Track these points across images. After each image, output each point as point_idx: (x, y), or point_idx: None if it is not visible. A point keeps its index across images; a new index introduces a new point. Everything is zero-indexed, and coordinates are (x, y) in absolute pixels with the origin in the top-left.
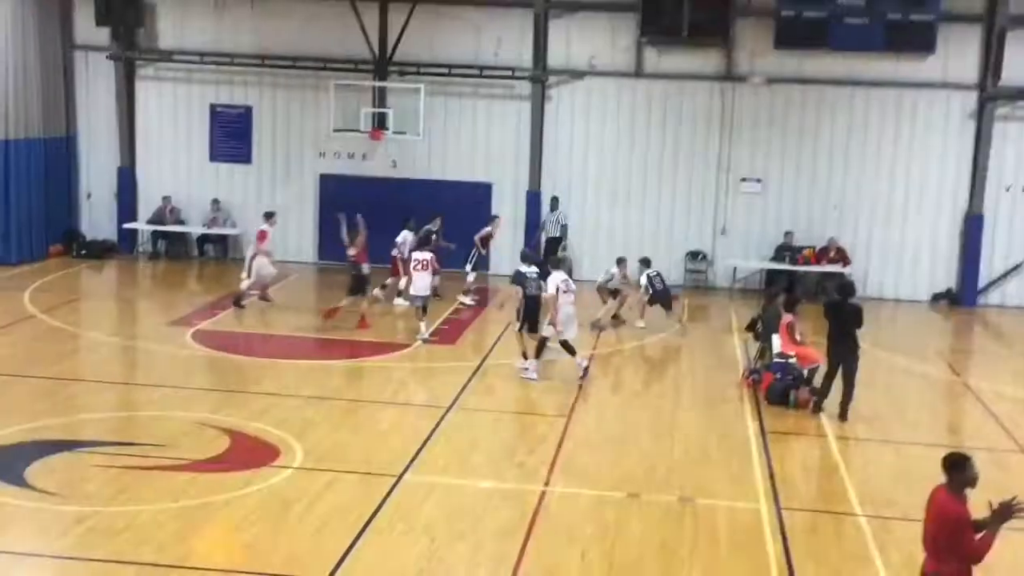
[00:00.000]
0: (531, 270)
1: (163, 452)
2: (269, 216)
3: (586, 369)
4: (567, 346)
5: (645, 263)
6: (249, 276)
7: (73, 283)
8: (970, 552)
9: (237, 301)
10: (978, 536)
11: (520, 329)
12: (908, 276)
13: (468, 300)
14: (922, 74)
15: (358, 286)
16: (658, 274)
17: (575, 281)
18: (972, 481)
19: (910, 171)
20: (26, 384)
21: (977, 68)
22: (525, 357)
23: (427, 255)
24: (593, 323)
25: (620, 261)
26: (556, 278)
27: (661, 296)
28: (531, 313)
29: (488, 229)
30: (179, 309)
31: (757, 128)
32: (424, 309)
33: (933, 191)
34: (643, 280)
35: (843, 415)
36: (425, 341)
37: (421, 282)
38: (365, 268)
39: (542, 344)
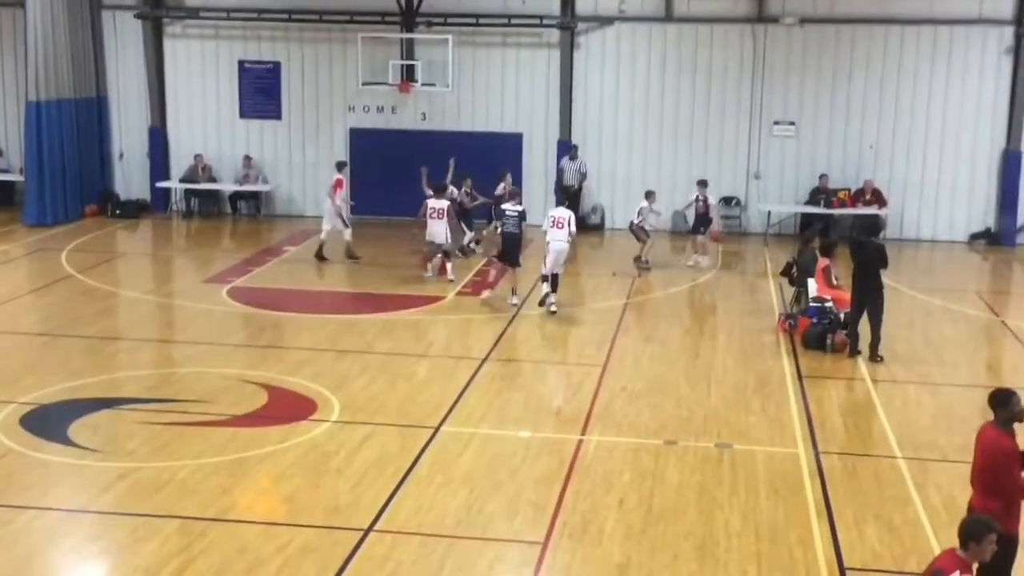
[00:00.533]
0: (513, 208)
1: (203, 408)
2: (341, 166)
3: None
4: (551, 281)
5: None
6: (347, 226)
7: (108, 243)
8: (1017, 486)
9: (350, 255)
10: None
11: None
12: (945, 216)
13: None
14: (957, 10)
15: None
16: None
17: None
18: (1019, 415)
19: (946, 109)
20: (66, 343)
21: (1013, 3)
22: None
23: (443, 203)
24: (635, 259)
25: (649, 194)
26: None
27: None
28: (507, 248)
29: (502, 186)
30: (214, 266)
31: (790, 70)
32: (446, 254)
33: (970, 129)
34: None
35: (873, 356)
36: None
37: (435, 229)
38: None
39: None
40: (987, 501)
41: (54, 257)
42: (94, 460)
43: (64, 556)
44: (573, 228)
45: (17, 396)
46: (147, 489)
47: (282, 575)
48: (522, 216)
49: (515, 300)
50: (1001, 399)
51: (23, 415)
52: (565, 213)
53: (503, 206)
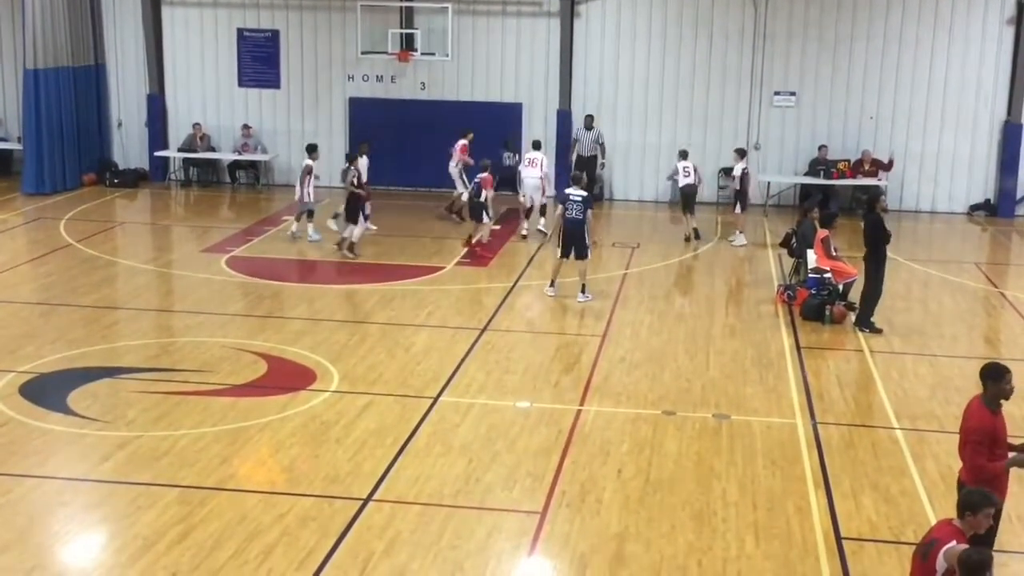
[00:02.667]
0: (577, 193)
1: (202, 377)
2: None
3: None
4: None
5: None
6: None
7: (107, 212)
8: (979, 464)
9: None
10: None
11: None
12: (945, 188)
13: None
14: None
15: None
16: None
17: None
18: (1007, 393)
19: (947, 80)
20: (65, 312)
21: None
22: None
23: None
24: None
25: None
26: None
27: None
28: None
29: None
30: (213, 236)
31: (791, 40)
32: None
33: (971, 100)
34: (737, 171)
35: (856, 322)
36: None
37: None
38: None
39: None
40: (966, 472)
41: (53, 226)
42: (94, 429)
43: (64, 524)
44: (546, 168)
45: (16, 365)
46: (147, 458)
47: (281, 543)
48: (587, 202)
49: (551, 291)
50: (994, 374)
51: (22, 384)
52: (539, 155)
53: (567, 191)
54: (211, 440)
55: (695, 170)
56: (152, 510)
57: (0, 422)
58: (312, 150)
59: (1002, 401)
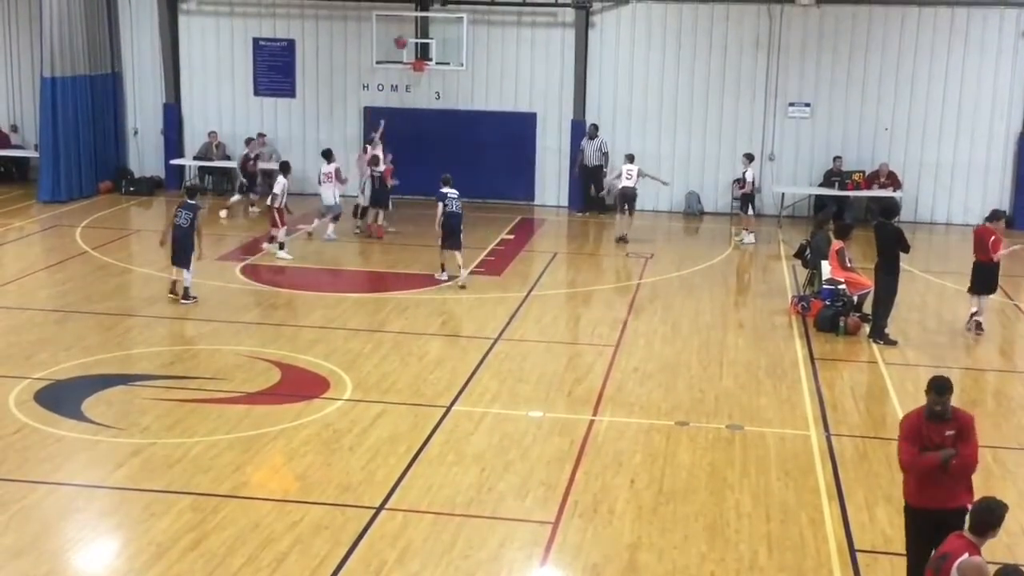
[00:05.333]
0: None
1: (216, 385)
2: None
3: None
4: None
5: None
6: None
7: (123, 219)
8: (900, 457)
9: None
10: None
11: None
12: (959, 199)
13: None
14: None
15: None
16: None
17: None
18: (930, 410)
19: (962, 92)
20: (80, 319)
21: None
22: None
23: (331, 168)
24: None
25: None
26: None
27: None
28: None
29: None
30: (227, 244)
31: (806, 51)
32: (336, 218)
33: (985, 112)
34: (749, 176)
35: (871, 334)
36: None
37: (326, 192)
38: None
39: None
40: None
41: (68, 233)
42: (108, 436)
43: (78, 531)
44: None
45: (32, 372)
46: (161, 465)
47: (294, 551)
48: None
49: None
50: (930, 386)
51: (38, 390)
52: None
53: (444, 190)
54: (225, 447)
55: (637, 174)
56: (166, 517)
57: (15, 428)
58: (328, 155)
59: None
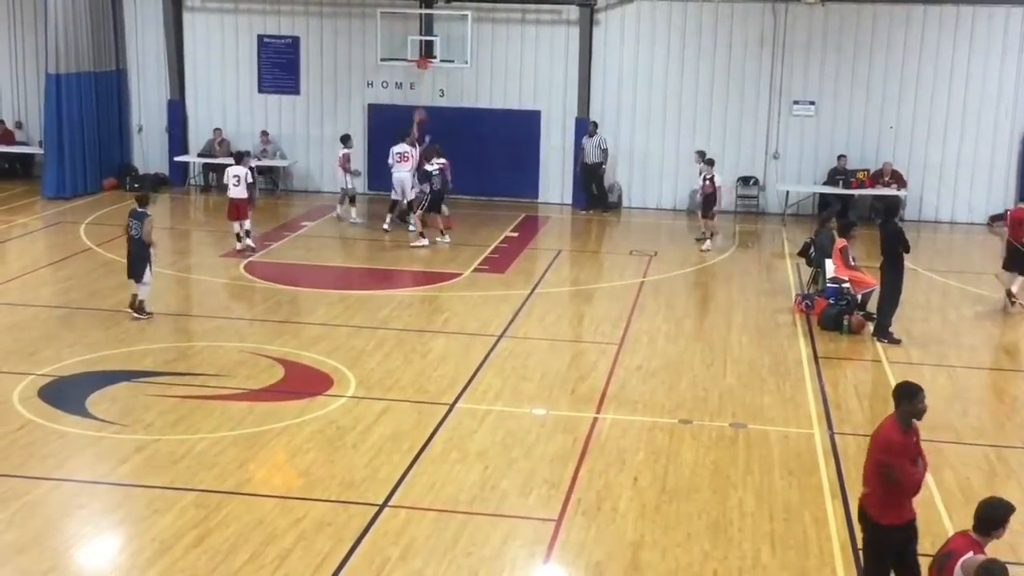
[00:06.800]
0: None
1: (219, 382)
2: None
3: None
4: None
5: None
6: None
7: (127, 216)
8: (910, 479)
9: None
10: None
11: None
12: (964, 198)
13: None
14: None
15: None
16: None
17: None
18: (920, 412)
19: (967, 91)
20: (84, 316)
21: None
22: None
23: (345, 151)
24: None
25: (703, 156)
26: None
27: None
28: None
29: (345, 151)
30: (231, 241)
31: (810, 49)
32: (352, 200)
33: (991, 111)
34: (718, 180)
35: (875, 332)
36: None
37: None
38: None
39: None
40: (879, 496)
41: (72, 230)
42: (112, 432)
43: (81, 527)
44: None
45: (35, 368)
46: (164, 462)
47: (298, 548)
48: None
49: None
50: (907, 392)
51: (42, 387)
52: (407, 148)
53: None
54: (228, 444)
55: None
56: (169, 514)
57: (19, 424)
58: (346, 140)
59: (914, 421)
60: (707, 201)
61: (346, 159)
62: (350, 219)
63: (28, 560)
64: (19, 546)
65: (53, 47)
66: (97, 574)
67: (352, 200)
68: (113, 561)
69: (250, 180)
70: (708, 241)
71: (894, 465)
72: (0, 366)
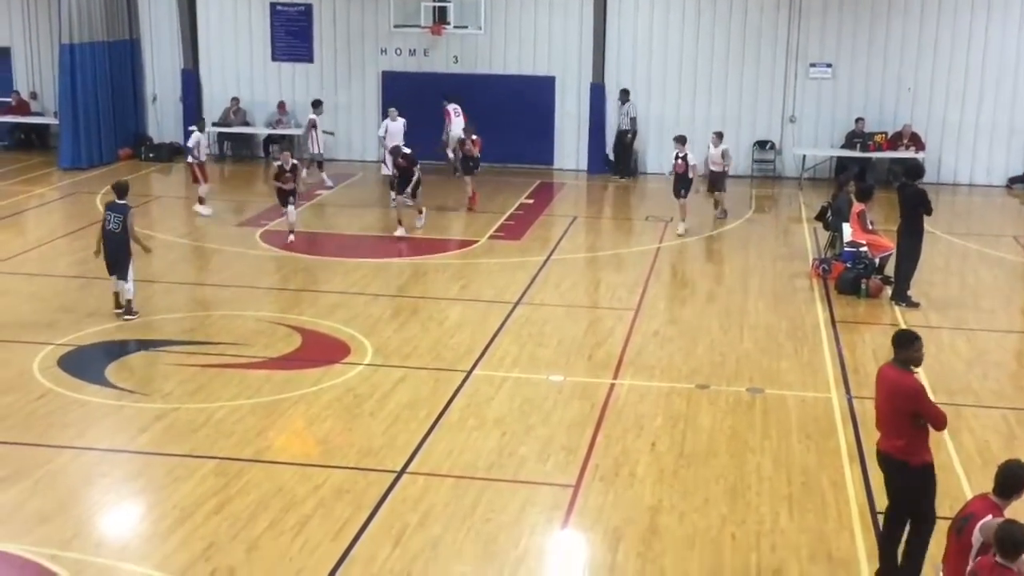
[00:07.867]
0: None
1: (237, 351)
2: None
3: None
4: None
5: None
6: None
7: (142, 186)
8: (936, 415)
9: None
10: None
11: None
12: (983, 160)
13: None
14: None
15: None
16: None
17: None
18: (918, 359)
19: (986, 52)
20: (102, 286)
21: None
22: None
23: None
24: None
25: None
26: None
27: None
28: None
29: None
30: (247, 210)
31: (827, 11)
32: (320, 165)
33: (1010, 73)
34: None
35: (893, 296)
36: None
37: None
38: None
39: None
40: (896, 441)
41: (88, 200)
42: (131, 401)
43: (103, 495)
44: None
45: (55, 338)
46: (184, 430)
47: (316, 515)
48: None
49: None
50: (905, 339)
51: (61, 356)
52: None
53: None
54: (247, 412)
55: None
56: (189, 481)
57: (39, 394)
58: (317, 105)
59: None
60: (679, 181)
61: (312, 124)
62: (324, 184)
63: (51, 528)
64: (42, 515)
65: (67, 17)
66: (119, 541)
67: (320, 165)
68: (134, 528)
69: (208, 149)
70: (681, 224)
71: (930, 409)
72: (20, 336)
